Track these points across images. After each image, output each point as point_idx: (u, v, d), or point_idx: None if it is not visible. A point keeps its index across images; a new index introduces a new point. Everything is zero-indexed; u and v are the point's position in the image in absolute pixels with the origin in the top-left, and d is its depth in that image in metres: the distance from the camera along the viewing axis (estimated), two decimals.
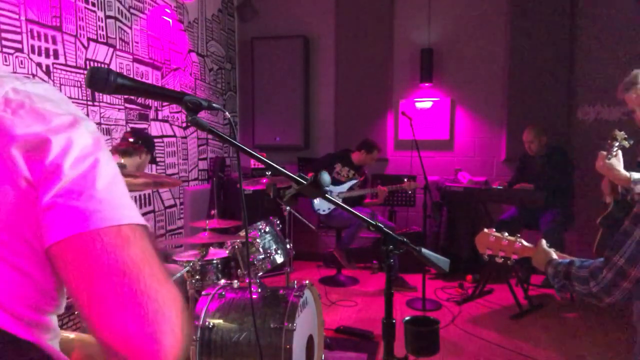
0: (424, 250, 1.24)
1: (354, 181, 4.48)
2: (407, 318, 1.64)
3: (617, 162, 1.90)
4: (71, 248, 0.56)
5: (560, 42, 4.72)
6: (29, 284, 0.60)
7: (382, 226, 1.23)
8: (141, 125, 3.64)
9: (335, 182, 4.44)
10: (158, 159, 3.89)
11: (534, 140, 4.11)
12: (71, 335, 0.81)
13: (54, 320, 0.69)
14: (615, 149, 1.91)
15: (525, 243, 1.61)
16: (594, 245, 2.44)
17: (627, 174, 1.88)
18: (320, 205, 4.35)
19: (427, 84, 5.00)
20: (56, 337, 0.70)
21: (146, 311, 0.55)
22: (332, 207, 4.34)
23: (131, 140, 2.58)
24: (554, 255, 1.54)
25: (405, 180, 4.34)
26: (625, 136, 1.93)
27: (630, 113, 1.94)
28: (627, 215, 1.48)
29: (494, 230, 1.64)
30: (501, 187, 4.12)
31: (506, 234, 1.63)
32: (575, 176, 4.24)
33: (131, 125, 3.50)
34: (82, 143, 0.60)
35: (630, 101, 1.89)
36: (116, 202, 0.60)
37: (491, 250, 1.62)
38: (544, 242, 1.58)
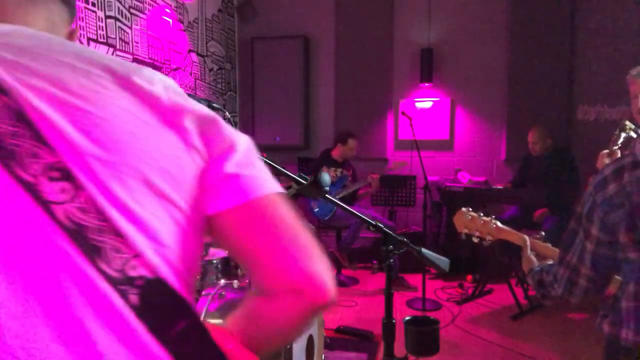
0: (424, 250, 1.24)
1: (344, 178, 4.49)
2: (407, 318, 1.64)
3: None
4: (256, 208, 0.65)
5: (561, 42, 4.72)
6: (191, 248, 0.67)
7: (383, 226, 1.23)
8: None
9: None
10: None
11: (538, 141, 4.09)
12: None
13: None
14: (622, 139, 1.89)
15: (500, 225, 1.56)
16: None
17: None
18: (321, 211, 4.35)
19: (427, 84, 5.00)
20: None
21: (315, 254, 0.66)
22: (333, 212, 4.34)
23: None
24: (536, 263, 1.44)
25: (392, 163, 4.62)
26: (633, 127, 1.91)
27: (632, 99, 1.91)
28: None
29: (471, 209, 1.61)
30: (501, 187, 4.11)
31: (482, 214, 1.60)
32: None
33: None
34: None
35: (635, 86, 1.85)
36: (268, 173, 0.70)
37: (468, 229, 1.60)
38: (529, 245, 1.47)
